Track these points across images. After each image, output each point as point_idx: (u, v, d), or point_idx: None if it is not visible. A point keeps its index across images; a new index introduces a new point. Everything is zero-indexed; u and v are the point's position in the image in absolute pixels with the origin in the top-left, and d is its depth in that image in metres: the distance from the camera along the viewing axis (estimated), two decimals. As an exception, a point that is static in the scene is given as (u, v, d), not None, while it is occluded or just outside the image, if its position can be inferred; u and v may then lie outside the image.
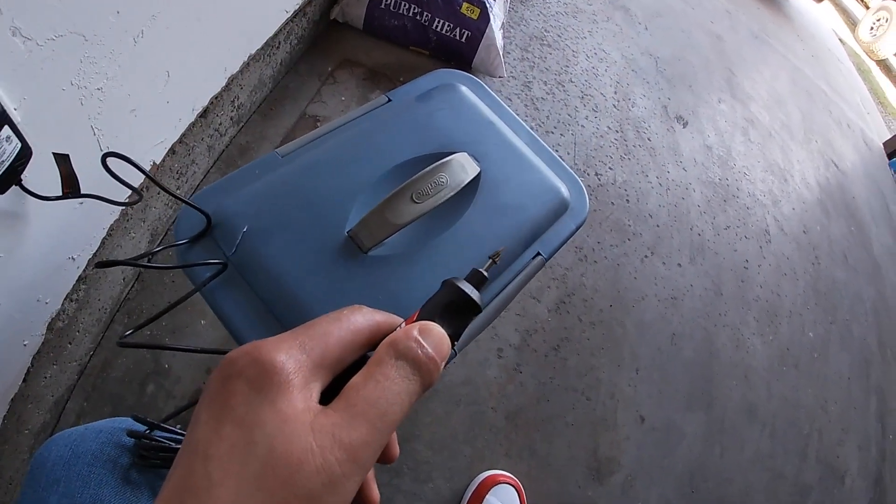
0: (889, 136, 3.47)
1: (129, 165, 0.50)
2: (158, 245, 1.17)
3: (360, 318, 0.30)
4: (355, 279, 0.64)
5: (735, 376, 1.64)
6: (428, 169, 0.68)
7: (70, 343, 0.96)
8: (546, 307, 1.46)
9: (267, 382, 0.24)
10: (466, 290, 0.33)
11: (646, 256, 1.71)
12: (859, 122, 3.41)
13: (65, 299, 0.91)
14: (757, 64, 3.04)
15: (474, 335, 0.70)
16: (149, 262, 0.57)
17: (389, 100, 0.83)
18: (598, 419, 1.36)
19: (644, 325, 1.57)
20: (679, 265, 1.76)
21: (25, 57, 0.61)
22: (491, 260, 0.40)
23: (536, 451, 1.26)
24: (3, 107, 0.56)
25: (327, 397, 0.27)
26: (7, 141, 0.58)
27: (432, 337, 0.29)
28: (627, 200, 1.80)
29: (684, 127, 2.22)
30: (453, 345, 0.32)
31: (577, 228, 0.82)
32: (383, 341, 0.29)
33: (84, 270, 0.94)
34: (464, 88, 0.87)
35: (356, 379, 0.27)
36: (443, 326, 0.31)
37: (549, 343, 1.41)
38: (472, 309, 0.33)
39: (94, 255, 0.95)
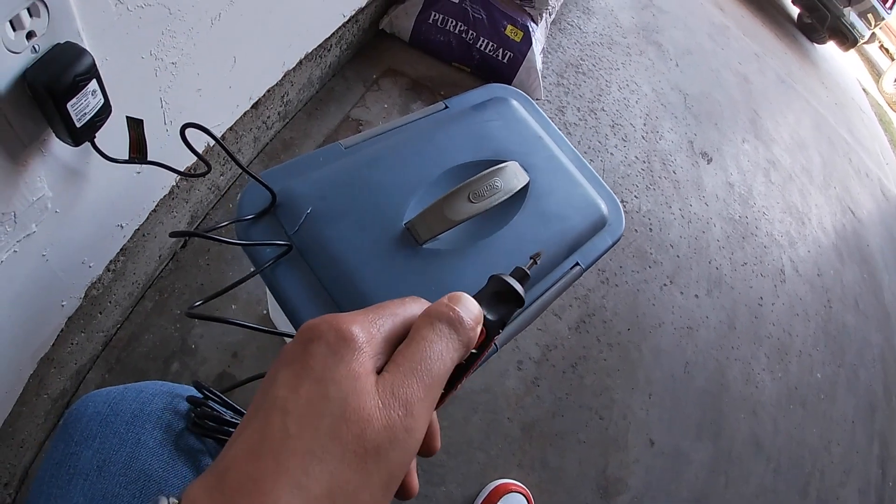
0: (907, 188, 3.50)
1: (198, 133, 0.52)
2: (226, 221, 1.18)
3: (418, 307, 0.32)
4: (409, 269, 0.67)
5: (744, 409, 1.65)
6: (485, 172, 0.72)
7: (101, 313, 0.97)
8: (567, 325, 1.48)
9: (343, 346, 0.27)
10: (511, 283, 0.36)
11: (665, 285, 1.73)
12: (878, 171, 3.44)
13: (105, 268, 0.92)
14: (781, 107, 3.08)
15: (515, 333, 0.73)
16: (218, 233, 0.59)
17: (447, 106, 0.87)
18: (609, 439, 1.38)
19: (659, 351, 1.59)
20: (696, 296, 1.78)
21: (115, 19, 0.63)
22: (532, 260, 0.42)
23: (548, 464, 1.28)
24: (95, 61, 0.58)
25: None
26: (93, 95, 0.59)
27: (463, 302, 0.32)
28: (650, 229, 1.83)
29: (708, 163, 2.26)
30: (496, 333, 0.35)
31: (614, 244, 0.86)
32: (422, 312, 0.31)
33: (129, 241, 0.95)
34: (515, 103, 0.90)
35: (402, 346, 0.29)
36: (488, 313, 0.34)
37: (568, 360, 1.43)
38: (516, 300, 0.36)
39: (140, 227, 0.97)
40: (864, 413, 1.98)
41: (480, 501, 1.15)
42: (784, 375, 1.82)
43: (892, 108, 5.16)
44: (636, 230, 1.80)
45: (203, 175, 0.72)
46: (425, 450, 0.34)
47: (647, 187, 1.94)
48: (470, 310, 0.32)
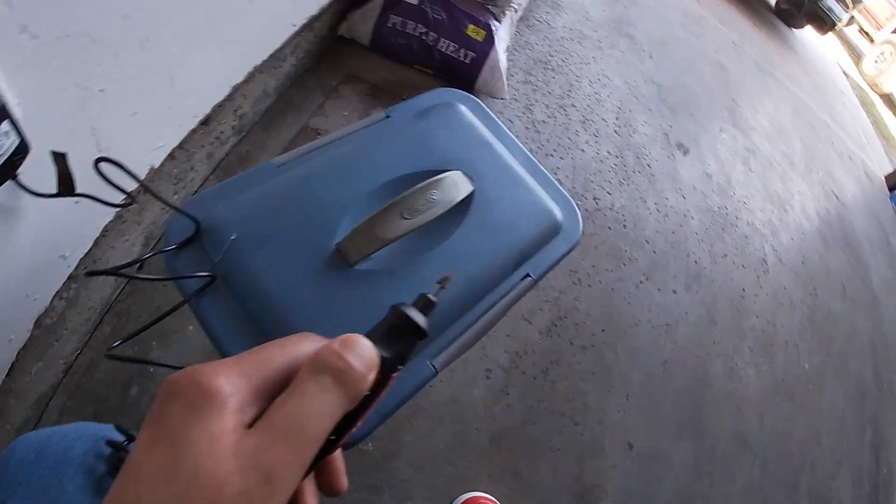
0: (891, 170, 3.49)
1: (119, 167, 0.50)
2: (150, 251, 1.17)
3: (306, 346, 0.30)
4: (340, 292, 0.64)
5: (727, 406, 1.63)
6: (419, 186, 0.68)
7: (57, 341, 0.96)
8: (537, 329, 1.45)
9: (203, 404, 0.25)
10: (411, 315, 0.34)
11: (641, 282, 1.70)
12: (861, 154, 3.43)
13: (54, 297, 0.91)
14: (760, 95, 3.06)
15: (457, 355, 0.70)
16: (140, 268, 0.57)
17: (388, 116, 0.84)
18: (584, 445, 1.35)
19: (636, 351, 1.56)
20: (674, 292, 1.75)
21: (31, 54, 0.61)
22: (440, 284, 0.39)
23: (520, 474, 1.25)
24: (3, 102, 0.56)
25: None
26: (5, 136, 0.58)
27: (353, 347, 0.29)
28: (624, 226, 1.81)
29: (685, 155, 2.23)
30: (394, 371, 0.32)
31: (570, 251, 0.82)
32: (307, 359, 0.29)
33: (75, 269, 0.93)
34: (462, 108, 0.87)
35: (278, 399, 0.27)
36: (385, 349, 0.32)
37: (539, 366, 1.40)
38: (417, 333, 0.34)
39: (87, 254, 0.95)
40: (854, 401, 1.96)
41: (450, 516, 1.13)
42: (769, 368, 1.80)
43: (873, 89, 5.16)
44: (610, 227, 1.77)
45: (127, 206, 0.69)
46: (331, 491, 0.32)
47: (620, 183, 1.92)
48: (362, 356, 0.29)
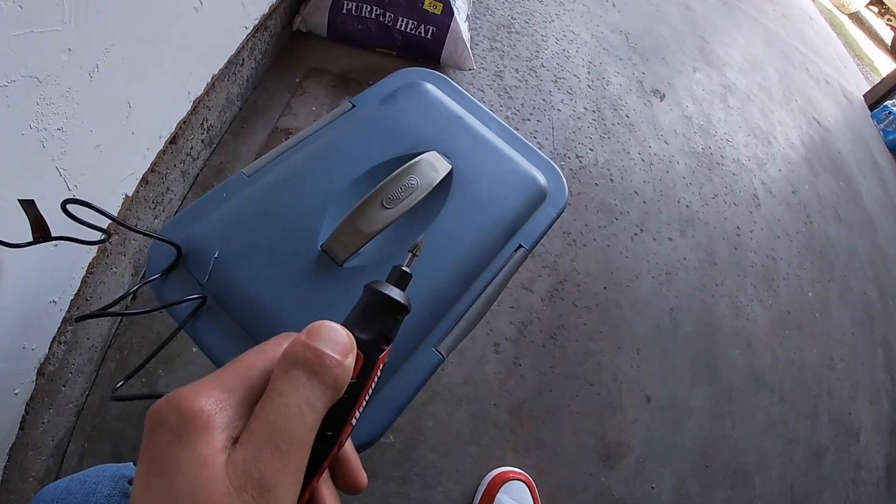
0: (868, 88, 3.46)
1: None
2: (137, 282, 1.16)
3: (286, 346, 0.29)
4: (333, 293, 0.62)
5: (738, 345, 1.63)
6: (396, 173, 0.67)
7: (64, 386, 0.96)
8: (539, 296, 1.44)
9: (187, 428, 0.24)
10: (385, 291, 0.33)
11: (635, 234, 1.69)
12: (837, 76, 3.40)
13: (52, 342, 0.90)
14: (729, 29, 3.03)
15: (461, 336, 0.69)
16: (133, 299, 0.55)
17: (353, 105, 0.82)
18: (603, 404, 1.35)
19: (640, 303, 1.56)
20: (670, 239, 1.75)
21: None
22: (411, 254, 0.39)
23: (544, 442, 1.25)
24: None
25: None
26: None
27: (321, 333, 0.28)
28: (611, 180, 1.79)
29: (661, 100, 2.21)
30: (380, 352, 0.31)
31: (559, 215, 0.81)
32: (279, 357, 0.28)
33: (68, 312, 0.93)
34: (428, 86, 0.85)
35: (257, 406, 0.26)
36: (365, 332, 0.31)
37: (546, 332, 1.39)
38: (397, 308, 0.33)
39: (77, 294, 0.94)
40: (862, 323, 1.96)
41: (480, 496, 1.13)
42: (774, 302, 1.80)
43: (841, 10, 5.10)
44: (597, 184, 1.75)
45: (102, 243, 0.68)
46: (350, 488, 0.31)
47: (601, 137, 1.90)
48: (333, 341, 0.28)
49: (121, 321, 1.12)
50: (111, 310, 0.53)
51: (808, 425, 1.59)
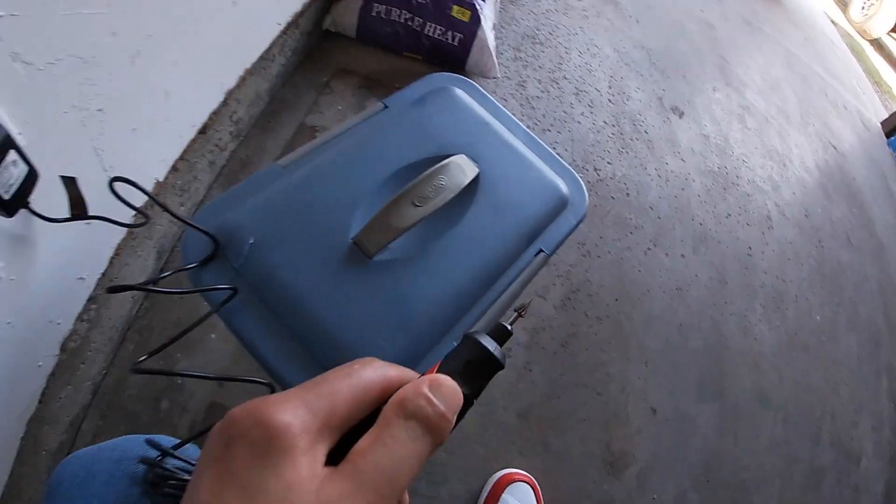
0: (886, 116, 3.46)
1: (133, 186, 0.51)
2: (168, 268, 1.18)
3: (371, 374, 0.29)
4: (363, 285, 0.65)
5: (745, 363, 1.64)
6: (427, 172, 0.69)
7: (83, 363, 0.97)
8: (552, 304, 1.46)
9: (271, 446, 0.23)
10: (489, 347, 0.32)
11: (649, 249, 1.71)
12: (856, 102, 3.41)
13: (76, 319, 0.92)
14: (750, 50, 3.04)
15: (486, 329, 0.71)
16: (156, 284, 0.57)
17: (386, 106, 0.84)
18: (610, 413, 1.37)
19: (651, 317, 1.57)
20: (682, 256, 1.76)
21: (26, 81, 0.62)
22: (517, 313, 0.38)
23: (550, 447, 1.27)
24: (7, 131, 0.56)
25: (334, 457, 0.26)
26: (14, 165, 0.59)
27: (443, 392, 0.28)
28: (627, 194, 1.81)
29: (680, 118, 2.23)
30: (472, 403, 0.31)
31: (578, 223, 0.83)
32: (392, 398, 0.27)
33: (94, 290, 0.95)
34: (458, 91, 0.88)
35: (363, 442, 0.26)
36: (461, 384, 0.30)
37: (558, 340, 1.41)
38: (494, 366, 0.32)
39: (103, 274, 0.96)
40: (868, 348, 1.97)
41: (485, 496, 1.14)
42: (782, 323, 1.81)
43: (862, 36, 5.11)
44: (613, 197, 1.77)
45: (142, 225, 0.70)
46: None
47: (619, 151, 1.91)
48: (449, 400, 0.28)
49: (142, 304, 1.14)
50: (147, 286, 0.55)
51: (810, 447, 1.60)
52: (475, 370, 0.31)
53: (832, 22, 4.89)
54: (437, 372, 0.31)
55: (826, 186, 2.48)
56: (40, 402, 0.88)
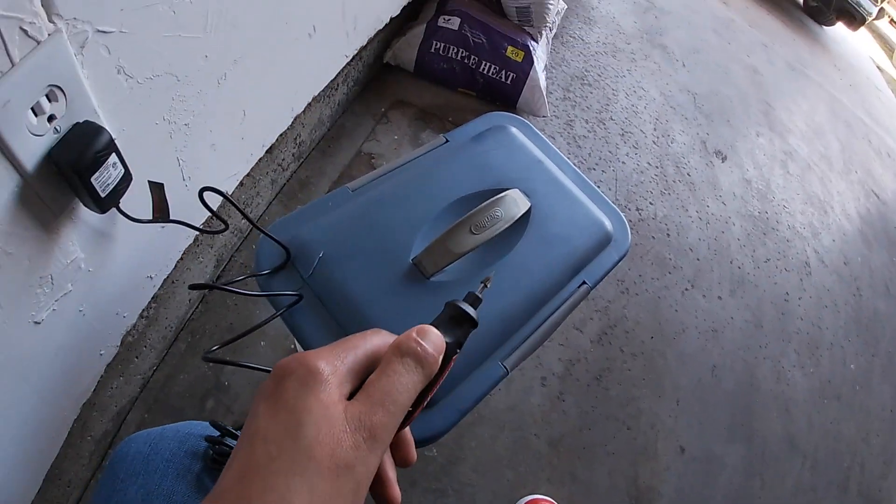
0: (931, 165, 3.42)
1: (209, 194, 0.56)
2: (225, 275, 1.25)
3: (378, 339, 0.37)
4: (418, 302, 0.70)
5: (776, 408, 1.64)
6: (485, 203, 0.75)
7: (137, 357, 1.03)
8: (589, 338, 1.50)
9: (312, 379, 0.31)
10: (464, 308, 0.41)
11: (686, 289, 1.73)
12: (900, 150, 3.38)
13: (139, 315, 0.97)
14: (794, 95, 3.06)
15: (525, 356, 0.76)
16: (216, 279, 0.63)
17: (447, 140, 0.90)
18: (638, 448, 1.39)
19: (685, 356, 1.59)
20: (719, 298, 1.78)
21: (128, 93, 0.68)
22: (482, 284, 0.47)
23: (578, 477, 1.29)
24: (112, 136, 0.62)
25: (354, 396, 0.34)
26: (113, 167, 0.64)
27: (429, 336, 0.36)
28: (668, 234, 1.84)
29: (723, 161, 2.26)
30: (455, 351, 0.39)
31: (620, 259, 0.87)
32: (391, 344, 0.36)
33: (159, 289, 1.00)
34: (514, 129, 0.93)
35: (373, 376, 0.34)
36: (445, 334, 0.38)
37: (592, 373, 1.44)
38: (470, 322, 0.41)
39: (168, 276, 1.02)
40: (902, 401, 1.94)
41: (511, 519, 1.17)
42: (816, 370, 1.81)
43: (908, 82, 5.05)
44: (653, 237, 1.81)
45: (220, 232, 0.76)
46: (401, 461, 0.39)
47: (661, 193, 1.95)
48: (435, 342, 0.36)
49: (197, 307, 1.20)
50: (226, 286, 0.61)
51: (837, 496, 1.59)
52: (456, 325, 0.40)
53: (878, 68, 4.85)
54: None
55: (866, 234, 2.47)
56: (94, 389, 0.93)
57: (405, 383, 0.34)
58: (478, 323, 0.41)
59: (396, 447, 0.39)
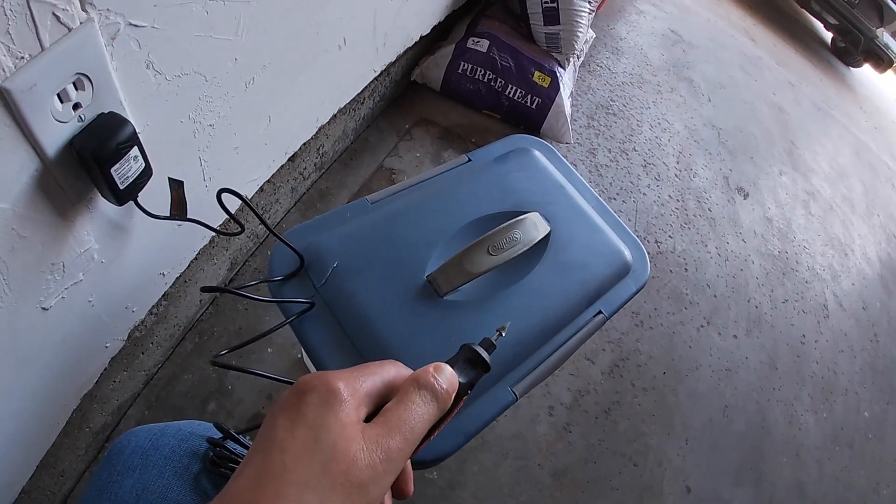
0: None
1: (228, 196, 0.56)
2: (238, 279, 1.25)
3: (393, 370, 0.38)
4: (430, 320, 0.69)
5: (786, 453, 1.61)
6: (504, 225, 0.74)
7: (143, 353, 1.02)
8: (600, 369, 1.48)
9: (332, 398, 0.32)
10: (480, 353, 0.42)
11: (702, 326, 1.71)
12: (924, 195, 3.33)
13: (148, 312, 0.97)
14: (819, 136, 3.04)
15: (535, 383, 0.74)
16: (228, 283, 0.62)
17: (469, 160, 0.90)
18: (644, 486, 1.36)
19: (696, 394, 1.56)
20: (735, 336, 1.75)
21: (155, 88, 0.68)
22: (498, 332, 0.48)
23: (580, 511, 1.27)
24: (135, 129, 0.62)
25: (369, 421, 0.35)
26: (134, 160, 0.64)
27: (444, 374, 0.38)
28: (686, 269, 1.82)
29: (745, 198, 2.24)
30: (467, 392, 0.41)
31: (638, 290, 0.86)
32: (408, 377, 0.37)
33: (170, 287, 1.00)
34: (537, 153, 0.92)
35: (390, 403, 0.35)
36: (459, 375, 0.40)
37: (601, 405, 1.42)
38: (483, 367, 0.42)
39: (181, 275, 1.02)
40: (916, 453, 1.89)
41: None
42: (829, 416, 1.77)
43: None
44: (671, 271, 1.79)
45: (236, 235, 0.76)
46: (399, 493, 0.39)
47: (681, 226, 1.93)
48: (449, 380, 0.38)
49: (207, 309, 1.20)
50: (238, 290, 0.60)
51: (846, 548, 1.55)
52: (469, 367, 0.42)
53: (904, 110, 4.82)
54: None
55: (886, 279, 2.43)
56: (96, 381, 0.92)
57: (421, 413, 0.35)
58: (490, 368, 0.43)
59: (396, 478, 0.39)
